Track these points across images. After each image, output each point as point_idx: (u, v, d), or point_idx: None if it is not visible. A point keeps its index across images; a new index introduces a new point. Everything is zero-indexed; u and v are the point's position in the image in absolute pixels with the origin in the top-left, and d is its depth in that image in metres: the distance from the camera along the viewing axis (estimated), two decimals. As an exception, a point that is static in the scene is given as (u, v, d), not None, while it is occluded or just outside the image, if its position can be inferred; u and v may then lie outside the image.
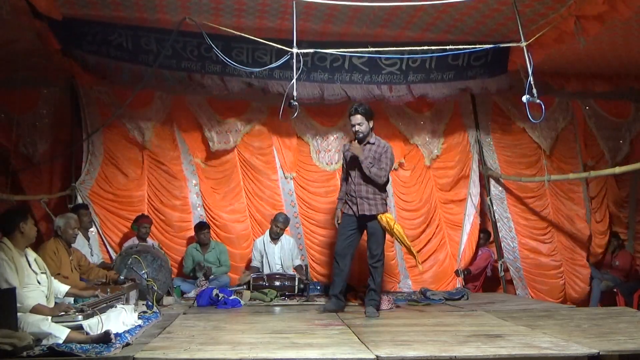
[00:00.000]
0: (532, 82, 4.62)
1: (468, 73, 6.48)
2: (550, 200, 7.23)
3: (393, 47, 5.83)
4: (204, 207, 6.89)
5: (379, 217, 5.01)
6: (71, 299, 4.25)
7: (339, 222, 5.28)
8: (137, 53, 5.76)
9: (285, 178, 7.02)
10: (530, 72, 4.64)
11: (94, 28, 5.57)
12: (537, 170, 7.25)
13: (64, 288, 4.29)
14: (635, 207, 7.69)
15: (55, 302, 3.97)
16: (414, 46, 5.51)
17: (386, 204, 5.15)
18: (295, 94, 4.57)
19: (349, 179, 5.18)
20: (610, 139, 7.51)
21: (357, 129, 5.03)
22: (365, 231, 5.18)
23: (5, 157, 5.94)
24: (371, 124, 5.11)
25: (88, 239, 6.07)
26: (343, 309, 5.05)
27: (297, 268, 6.47)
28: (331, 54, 5.78)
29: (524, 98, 4.66)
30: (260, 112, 7.03)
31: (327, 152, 6.96)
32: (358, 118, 5.03)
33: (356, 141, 5.11)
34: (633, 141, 7.58)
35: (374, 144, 5.10)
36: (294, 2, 4.62)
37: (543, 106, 4.59)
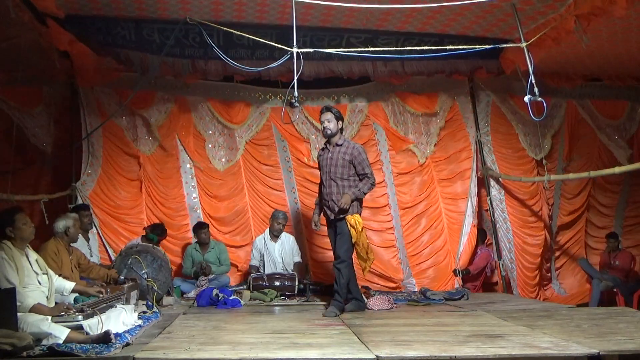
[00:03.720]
0: (533, 82, 4.63)
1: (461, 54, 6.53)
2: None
3: (392, 36, 5.83)
4: (202, 210, 6.90)
5: (347, 217, 5.03)
6: (71, 299, 4.25)
7: (316, 226, 5.37)
8: (141, 44, 5.83)
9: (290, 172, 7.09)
10: (531, 71, 4.65)
11: (97, 24, 5.62)
12: (531, 171, 7.30)
13: (70, 285, 4.29)
14: (624, 207, 7.78)
15: (56, 302, 3.97)
16: (413, 36, 5.53)
17: (358, 206, 5.13)
18: (296, 94, 4.57)
19: (322, 183, 5.28)
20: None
21: (325, 126, 5.15)
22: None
23: (6, 155, 5.93)
24: (340, 125, 5.21)
25: (88, 239, 6.06)
26: (364, 308, 5.13)
27: (297, 265, 6.47)
28: (329, 34, 5.83)
29: (526, 98, 4.68)
30: (262, 114, 7.05)
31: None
32: (328, 115, 5.16)
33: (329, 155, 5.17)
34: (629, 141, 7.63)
35: (341, 145, 5.18)
36: (293, 2, 4.62)
37: (545, 104, 4.59)
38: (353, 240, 5.03)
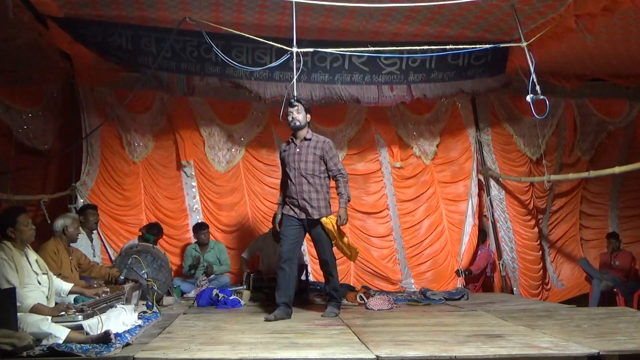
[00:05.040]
0: (535, 80, 4.64)
1: (468, 72, 6.49)
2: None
3: (393, 46, 5.83)
4: (202, 210, 6.91)
5: (323, 221, 4.76)
6: (71, 299, 4.25)
7: (279, 228, 4.98)
8: (137, 54, 5.77)
9: None
10: (532, 70, 4.65)
11: (94, 29, 5.58)
12: (528, 171, 7.34)
13: (67, 286, 4.28)
14: (617, 196, 7.81)
15: (56, 302, 3.97)
16: (413, 45, 5.51)
17: (330, 206, 4.87)
18: (295, 94, 4.56)
19: (289, 181, 4.87)
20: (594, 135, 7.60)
21: (294, 116, 4.77)
22: (308, 234, 4.95)
23: (6, 155, 5.93)
24: (308, 118, 4.87)
25: (91, 239, 6.04)
26: (290, 316, 4.64)
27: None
28: (331, 55, 5.76)
29: (528, 97, 4.71)
30: (261, 114, 7.05)
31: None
32: (296, 106, 4.80)
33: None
34: (613, 136, 7.67)
35: (310, 139, 4.84)
36: (293, 3, 4.61)
37: (547, 102, 4.61)
38: (333, 242, 4.85)
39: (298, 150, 4.82)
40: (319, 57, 5.80)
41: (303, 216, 4.78)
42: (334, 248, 4.98)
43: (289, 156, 4.88)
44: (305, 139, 4.84)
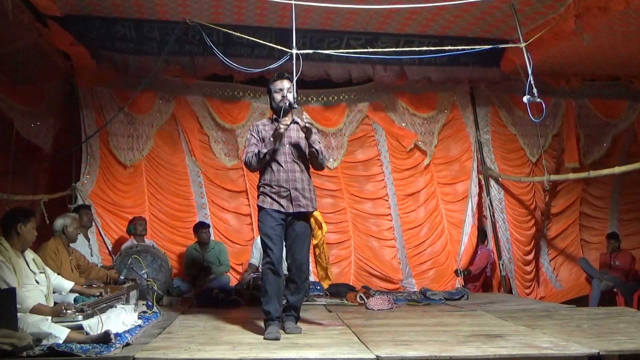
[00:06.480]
0: (532, 83, 4.62)
1: (461, 59, 6.53)
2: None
3: (392, 38, 5.85)
4: (209, 207, 6.92)
5: (314, 215, 4.10)
6: (71, 299, 4.25)
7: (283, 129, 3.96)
8: (142, 42, 5.85)
9: None
10: (530, 72, 4.64)
11: (96, 23, 5.65)
12: (529, 171, 7.35)
13: (68, 285, 4.29)
14: (617, 199, 7.81)
15: (55, 302, 3.97)
16: (413, 37, 5.52)
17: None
18: (295, 95, 4.49)
19: (276, 166, 4.02)
20: (596, 138, 7.60)
21: (285, 94, 4.04)
22: (287, 231, 4.03)
23: (6, 155, 5.92)
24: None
25: (88, 239, 6.06)
26: (284, 328, 3.98)
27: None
28: (328, 34, 5.81)
29: (525, 98, 4.66)
30: (261, 113, 7.05)
31: (326, 149, 7.03)
32: (287, 83, 4.09)
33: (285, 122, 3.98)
34: (616, 139, 7.66)
35: (297, 123, 4.13)
36: (293, 4, 4.62)
37: (544, 105, 4.58)
38: (314, 242, 4.15)
39: (289, 132, 4.08)
40: (317, 38, 5.79)
41: (291, 209, 3.97)
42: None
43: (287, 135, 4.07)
44: (294, 121, 4.14)
